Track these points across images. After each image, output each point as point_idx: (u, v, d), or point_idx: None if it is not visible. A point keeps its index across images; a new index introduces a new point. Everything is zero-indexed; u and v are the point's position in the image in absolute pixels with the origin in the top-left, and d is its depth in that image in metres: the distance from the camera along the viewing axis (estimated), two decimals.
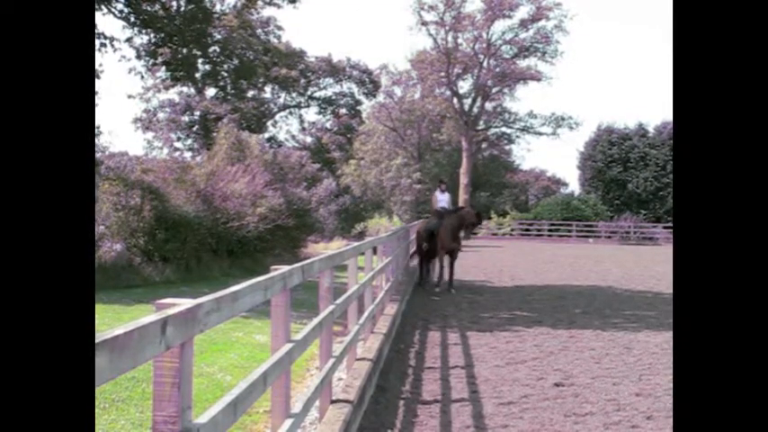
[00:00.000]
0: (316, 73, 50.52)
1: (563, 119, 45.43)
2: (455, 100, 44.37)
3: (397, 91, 45.84)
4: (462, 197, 39.68)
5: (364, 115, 49.55)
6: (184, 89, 42.86)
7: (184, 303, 2.47)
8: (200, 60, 35.75)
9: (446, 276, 15.64)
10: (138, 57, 24.62)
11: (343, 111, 51.12)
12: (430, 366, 8.08)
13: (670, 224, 43.53)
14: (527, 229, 45.81)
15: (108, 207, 16.20)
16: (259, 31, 42.30)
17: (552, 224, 45.08)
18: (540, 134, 46.59)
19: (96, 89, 15.91)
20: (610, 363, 8.33)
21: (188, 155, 39.51)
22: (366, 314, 7.95)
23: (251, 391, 3.14)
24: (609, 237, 43.87)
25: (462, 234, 15.47)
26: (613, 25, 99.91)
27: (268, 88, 49.20)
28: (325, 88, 51.91)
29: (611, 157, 50.48)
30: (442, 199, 16.09)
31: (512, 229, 45.89)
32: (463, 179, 41.39)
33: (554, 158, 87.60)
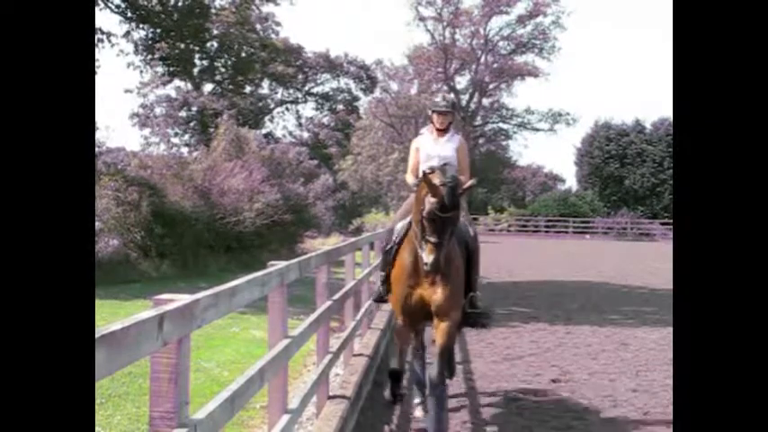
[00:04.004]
0: (313, 69, 50.44)
1: (560, 115, 45.46)
2: (452, 95, 44.32)
3: (394, 86, 45.84)
4: None
5: (361, 111, 49.51)
6: (181, 85, 42.71)
7: (181, 299, 2.46)
8: (197, 56, 35.59)
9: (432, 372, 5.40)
10: (137, 52, 24.49)
11: (341, 106, 51.04)
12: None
13: (667, 220, 43.62)
14: (524, 225, 45.89)
15: (105, 202, 16.16)
16: (257, 26, 42.18)
17: (549, 220, 45.15)
18: (538, 130, 46.60)
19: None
20: (606, 359, 8.34)
21: (185, 150, 39.40)
22: (363, 310, 7.94)
23: (248, 386, 3.14)
24: (606, 233, 43.93)
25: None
26: (611, 21, 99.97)
27: (265, 84, 49.12)
28: (322, 84, 51.88)
29: (609, 153, 50.53)
30: (437, 153, 5.53)
31: (509, 225, 45.97)
32: None
33: (551, 154, 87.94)
